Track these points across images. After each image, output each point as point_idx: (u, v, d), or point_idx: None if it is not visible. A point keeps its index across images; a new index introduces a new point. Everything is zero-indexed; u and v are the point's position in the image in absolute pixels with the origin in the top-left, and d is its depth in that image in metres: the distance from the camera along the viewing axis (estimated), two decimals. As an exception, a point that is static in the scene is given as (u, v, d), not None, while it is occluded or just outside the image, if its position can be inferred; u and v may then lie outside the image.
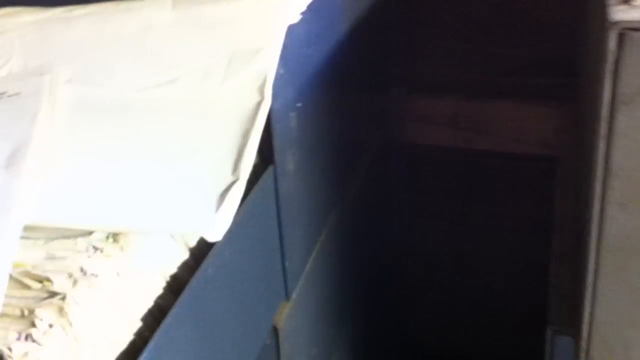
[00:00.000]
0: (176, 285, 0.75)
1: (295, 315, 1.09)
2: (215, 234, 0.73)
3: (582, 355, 0.95)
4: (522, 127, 1.56)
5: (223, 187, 0.77)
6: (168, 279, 0.76)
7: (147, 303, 0.73)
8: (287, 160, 0.99)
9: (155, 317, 0.72)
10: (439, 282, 1.77)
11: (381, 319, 1.64)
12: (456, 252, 1.76)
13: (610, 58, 0.74)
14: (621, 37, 0.72)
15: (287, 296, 1.06)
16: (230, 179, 0.78)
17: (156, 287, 0.74)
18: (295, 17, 0.95)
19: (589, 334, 0.94)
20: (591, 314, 0.93)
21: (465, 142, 1.61)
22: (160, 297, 0.75)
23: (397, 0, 1.50)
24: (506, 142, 1.57)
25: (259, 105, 0.86)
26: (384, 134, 1.52)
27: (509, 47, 1.53)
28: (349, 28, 1.22)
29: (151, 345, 0.67)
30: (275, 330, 1.02)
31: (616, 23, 0.74)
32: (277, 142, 0.94)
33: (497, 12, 1.51)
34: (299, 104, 1.01)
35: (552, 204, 1.30)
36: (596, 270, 0.90)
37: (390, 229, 1.69)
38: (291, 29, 0.93)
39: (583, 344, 0.95)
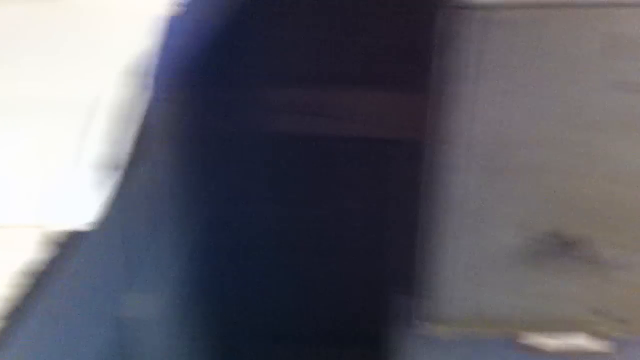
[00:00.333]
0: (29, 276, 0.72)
1: (146, 307, 1.06)
2: (79, 223, 0.72)
3: (425, 312, 1.02)
4: (372, 112, 1.62)
5: (90, 178, 0.76)
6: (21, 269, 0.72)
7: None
8: (160, 151, 0.99)
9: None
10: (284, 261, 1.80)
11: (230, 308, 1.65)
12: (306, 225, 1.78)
13: (444, 35, 0.80)
14: (454, 15, 0.78)
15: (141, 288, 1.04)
16: (98, 170, 0.77)
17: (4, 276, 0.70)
18: (170, 9, 0.94)
19: (431, 291, 1.01)
20: (432, 273, 1.00)
21: (317, 128, 1.64)
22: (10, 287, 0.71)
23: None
24: (357, 127, 1.62)
25: (131, 97, 0.84)
26: (249, 125, 1.52)
27: (358, 35, 1.57)
28: (223, 21, 1.21)
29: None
30: (123, 322, 1.01)
31: (449, 2, 0.80)
32: (150, 134, 0.92)
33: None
34: (169, 95, 1.00)
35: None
36: (435, 231, 0.96)
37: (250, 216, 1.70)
38: (166, 21, 0.93)
39: (425, 301, 1.02)
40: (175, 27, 0.95)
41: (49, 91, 0.85)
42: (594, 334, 1.12)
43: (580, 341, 1.14)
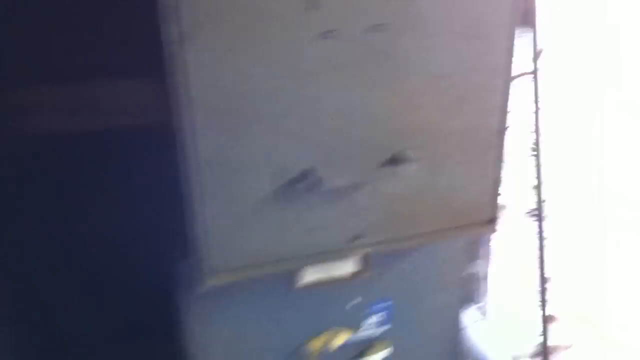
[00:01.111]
0: None
1: None
2: None
3: (201, 269, 1.11)
4: (124, 101, 1.67)
5: None
6: None
7: None
8: None
9: None
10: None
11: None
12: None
13: (167, 1, 0.89)
14: None
15: None
16: None
17: None
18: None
19: (206, 244, 1.10)
20: (201, 230, 1.09)
21: (75, 124, 1.67)
22: None
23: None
24: (115, 118, 1.66)
25: None
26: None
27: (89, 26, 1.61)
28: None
29: None
30: None
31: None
32: None
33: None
34: None
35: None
36: (196, 192, 1.06)
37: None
38: None
39: (200, 259, 1.11)
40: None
41: None
42: (362, 259, 1.26)
43: (348, 268, 1.28)
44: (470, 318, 2.00)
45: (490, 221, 1.23)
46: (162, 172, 1.31)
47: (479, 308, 2.20)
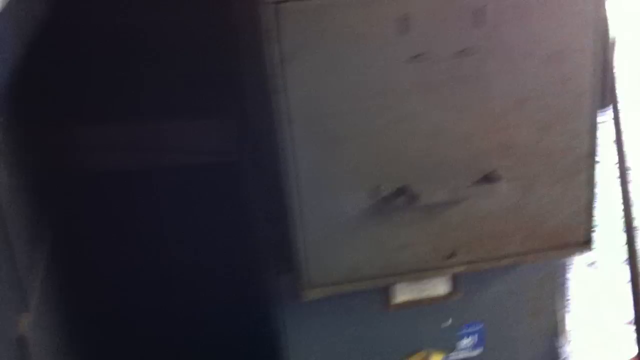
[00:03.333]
0: None
1: (38, 325, 1.16)
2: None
3: (298, 281, 1.18)
4: (197, 141, 1.76)
5: None
6: None
7: None
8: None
9: None
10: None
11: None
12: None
13: (269, 26, 0.98)
14: (275, 9, 0.97)
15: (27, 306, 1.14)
16: None
17: None
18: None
19: (305, 258, 1.17)
20: (304, 242, 1.16)
21: (145, 163, 1.76)
22: None
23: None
24: (186, 156, 1.75)
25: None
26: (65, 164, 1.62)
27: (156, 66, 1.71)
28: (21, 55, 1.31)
29: None
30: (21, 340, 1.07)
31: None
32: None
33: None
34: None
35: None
36: (291, 207, 1.13)
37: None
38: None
39: (297, 272, 1.17)
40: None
41: None
42: (451, 278, 1.30)
43: (440, 289, 1.31)
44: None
45: (585, 243, 1.24)
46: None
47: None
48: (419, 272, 1.21)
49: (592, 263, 2.20)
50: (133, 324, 1.81)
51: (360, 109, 1.09)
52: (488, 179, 1.15)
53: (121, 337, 1.78)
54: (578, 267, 1.88)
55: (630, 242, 1.43)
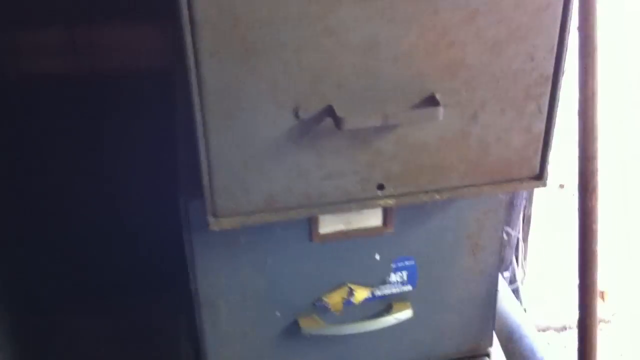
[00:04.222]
0: None
1: None
2: None
3: (211, 208, 1.02)
4: (135, 45, 1.62)
5: None
6: None
7: None
8: None
9: None
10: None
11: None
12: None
13: None
14: None
15: None
16: None
17: None
18: None
19: (211, 185, 1.00)
20: (208, 167, 0.99)
21: (84, 67, 1.63)
22: None
23: None
24: (124, 61, 1.62)
25: None
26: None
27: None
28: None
29: None
30: None
31: None
32: None
33: None
34: None
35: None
36: (202, 127, 0.95)
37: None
38: None
39: (209, 198, 1.01)
40: None
41: None
42: (382, 210, 1.15)
43: (370, 221, 1.17)
44: (502, 284, 1.89)
45: (537, 177, 1.10)
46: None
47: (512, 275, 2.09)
48: (344, 204, 1.06)
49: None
50: (58, 236, 1.70)
51: (280, 16, 0.91)
52: (424, 104, 0.99)
53: (45, 254, 1.67)
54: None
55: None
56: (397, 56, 0.96)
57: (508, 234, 1.98)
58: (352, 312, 1.28)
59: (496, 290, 1.32)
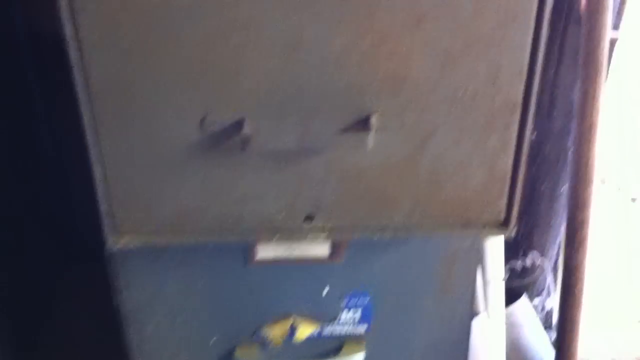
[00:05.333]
0: None
1: None
2: None
3: (109, 228, 0.88)
4: None
5: None
6: None
7: None
8: None
9: None
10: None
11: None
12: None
13: None
14: None
15: None
16: None
17: None
18: None
19: (107, 197, 0.86)
20: (104, 176, 0.85)
21: None
22: None
23: None
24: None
25: None
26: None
27: None
28: None
29: None
30: None
31: None
32: None
33: None
34: None
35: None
36: (93, 126, 0.81)
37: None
38: None
39: (104, 210, 0.87)
40: None
41: None
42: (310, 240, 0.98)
43: (314, 249, 1.01)
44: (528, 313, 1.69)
45: (502, 224, 0.90)
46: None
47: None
48: (266, 234, 0.89)
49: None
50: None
51: (182, 5, 0.74)
52: (361, 124, 0.80)
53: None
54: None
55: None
56: (324, 62, 0.79)
57: (536, 261, 1.76)
58: (297, 348, 1.11)
59: (467, 338, 1.13)
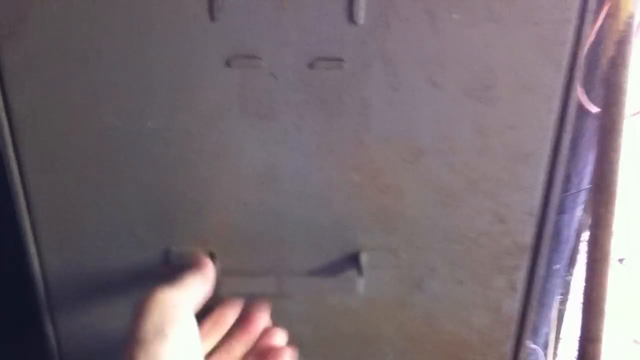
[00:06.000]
0: None
1: None
2: None
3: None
4: None
5: None
6: None
7: None
8: None
9: None
10: None
11: None
12: None
13: None
14: None
15: None
16: None
17: None
18: None
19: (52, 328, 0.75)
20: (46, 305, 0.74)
21: None
22: None
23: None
24: None
25: None
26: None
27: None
28: None
29: None
30: None
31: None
32: None
33: None
34: None
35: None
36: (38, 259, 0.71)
37: None
38: None
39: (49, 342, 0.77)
40: None
41: None
42: None
43: None
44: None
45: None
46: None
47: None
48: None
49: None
50: None
51: (141, 126, 0.64)
52: (349, 262, 0.69)
53: None
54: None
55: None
56: (306, 196, 0.68)
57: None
58: None
59: None
